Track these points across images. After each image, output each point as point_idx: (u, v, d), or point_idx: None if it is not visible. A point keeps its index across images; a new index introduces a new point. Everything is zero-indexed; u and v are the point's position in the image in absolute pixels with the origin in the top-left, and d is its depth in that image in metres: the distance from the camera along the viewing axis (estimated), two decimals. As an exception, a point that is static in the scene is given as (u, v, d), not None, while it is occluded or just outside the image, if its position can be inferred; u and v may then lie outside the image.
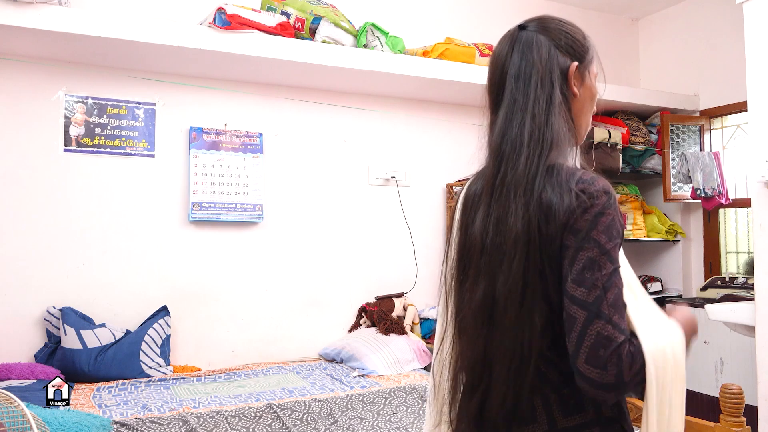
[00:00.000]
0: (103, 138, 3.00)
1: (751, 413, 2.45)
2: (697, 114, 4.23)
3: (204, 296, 3.18)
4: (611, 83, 4.27)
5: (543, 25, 1.20)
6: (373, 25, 3.24)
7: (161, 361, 2.89)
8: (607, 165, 3.96)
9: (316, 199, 3.48)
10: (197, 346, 3.15)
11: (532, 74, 1.12)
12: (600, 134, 3.90)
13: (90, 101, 2.98)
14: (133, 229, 3.05)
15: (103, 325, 2.85)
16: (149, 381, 2.76)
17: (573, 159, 1.15)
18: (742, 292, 3.55)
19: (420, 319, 3.55)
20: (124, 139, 3.04)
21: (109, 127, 3.01)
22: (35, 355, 2.81)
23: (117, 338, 2.84)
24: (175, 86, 3.14)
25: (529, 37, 1.19)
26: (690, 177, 3.90)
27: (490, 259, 1.03)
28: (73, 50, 2.78)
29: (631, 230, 4.09)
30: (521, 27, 1.23)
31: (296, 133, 3.45)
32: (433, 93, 3.63)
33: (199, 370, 3.03)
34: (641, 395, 0.99)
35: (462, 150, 3.91)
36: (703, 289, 3.89)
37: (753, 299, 2.79)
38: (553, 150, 1.04)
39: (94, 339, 2.78)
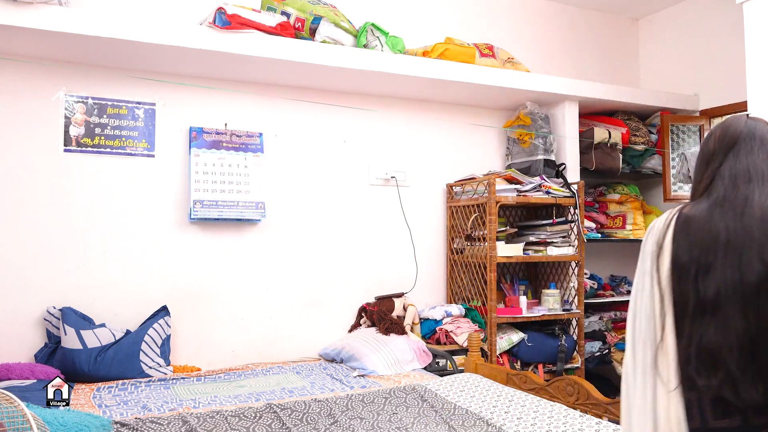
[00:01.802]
0: (103, 138, 3.00)
1: (751, 413, 2.45)
2: (697, 114, 4.23)
3: (204, 296, 3.18)
4: (611, 83, 4.27)
5: None
6: (373, 25, 3.24)
7: (161, 361, 2.89)
8: (607, 165, 3.96)
9: (316, 200, 3.48)
10: (197, 346, 3.15)
11: None
12: (600, 134, 3.90)
13: (90, 101, 2.98)
14: (133, 229, 3.05)
15: (103, 325, 2.85)
16: (149, 381, 2.76)
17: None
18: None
19: (420, 319, 3.55)
20: (124, 139, 3.04)
21: (109, 127, 3.02)
22: (35, 355, 2.82)
23: (117, 338, 2.84)
24: (175, 86, 3.14)
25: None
26: (690, 177, 3.90)
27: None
28: (73, 50, 2.78)
29: (631, 230, 4.09)
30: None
31: (296, 133, 3.45)
32: (433, 93, 3.64)
33: (199, 370, 3.03)
34: None
35: (462, 150, 3.92)
36: (703, 289, 3.89)
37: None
38: None
39: (94, 339, 2.78)
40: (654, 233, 1.32)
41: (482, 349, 3.26)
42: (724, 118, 1.63)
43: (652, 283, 1.28)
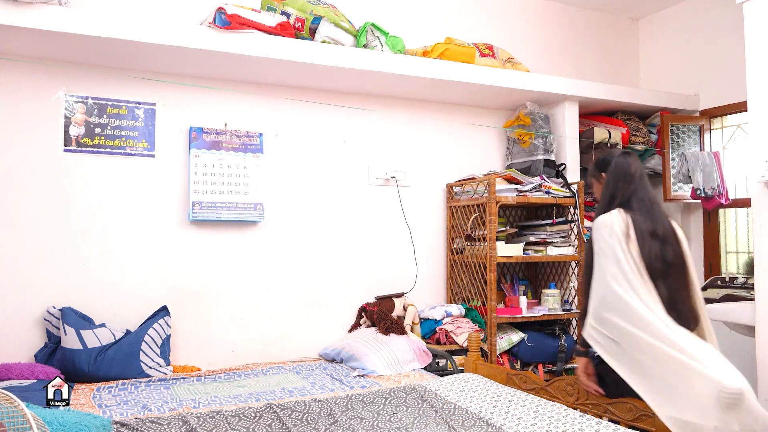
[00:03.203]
0: (103, 138, 3.00)
1: (751, 413, 2.45)
2: (697, 114, 4.23)
3: (204, 296, 3.18)
4: (611, 83, 4.27)
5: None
6: (373, 25, 3.24)
7: (161, 361, 2.89)
8: (607, 165, 3.96)
9: (316, 199, 3.48)
10: (197, 346, 3.15)
11: None
12: (600, 134, 3.90)
13: (90, 101, 2.98)
14: (133, 229, 3.05)
15: (103, 325, 2.85)
16: (149, 381, 2.76)
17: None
18: (742, 292, 3.55)
19: (420, 319, 3.55)
20: (124, 139, 3.04)
21: (109, 127, 3.02)
22: (35, 355, 2.82)
23: (117, 338, 2.84)
24: (175, 86, 3.14)
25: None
26: (690, 177, 3.90)
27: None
28: (73, 50, 2.78)
29: (631, 230, 4.08)
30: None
31: (296, 133, 3.45)
32: (433, 93, 3.64)
33: (199, 370, 3.03)
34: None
35: (462, 150, 3.92)
36: (703, 289, 3.89)
37: (753, 299, 2.79)
38: None
39: (94, 339, 2.78)
40: (618, 223, 2.12)
41: (482, 349, 3.26)
42: (612, 151, 2.49)
43: (626, 255, 2.06)
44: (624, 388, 1.98)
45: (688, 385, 1.81)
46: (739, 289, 3.61)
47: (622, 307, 1.98)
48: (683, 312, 2.08)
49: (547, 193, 3.53)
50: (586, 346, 2.15)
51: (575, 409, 2.18)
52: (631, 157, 2.28)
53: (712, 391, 1.76)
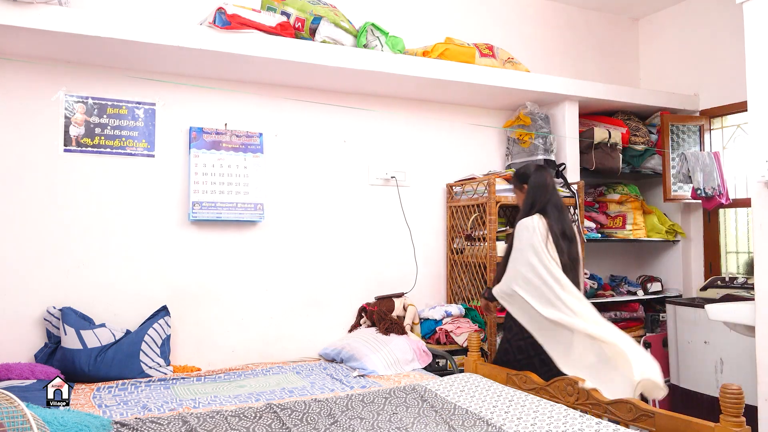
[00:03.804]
0: (103, 138, 3.00)
1: (751, 413, 2.45)
2: (697, 114, 4.23)
3: (204, 296, 3.18)
4: (611, 83, 4.27)
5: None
6: (373, 25, 3.24)
7: (161, 361, 2.89)
8: (607, 165, 3.96)
9: (316, 199, 3.48)
10: (197, 346, 3.15)
11: None
12: (600, 134, 3.90)
13: (90, 101, 2.98)
14: (133, 229, 3.05)
15: (103, 325, 2.85)
16: (149, 381, 2.76)
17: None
18: (742, 292, 3.55)
19: (420, 319, 3.55)
20: (124, 139, 3.04)
21: (109, 127, 3.02)
22: (35, 355, 2.82)
23: (117, 338, 2.84)
24: (175, 86, 3.14)
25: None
26: (690, 177, 3.90)
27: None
28: (73, 50, 2.78)
29: (631, 230, 4.09)
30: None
31: (296, 133, 3.45)
32: (433, 93, 3.64)
33: (199, 370, 3.03)
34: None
35: (462, 150, 3.92)
36: (703, 289, 3.89)
37: (753, 299, 2.79)
38: None
39: (94, 339, 2.78)
40: (539, 226, 2.61)
41: (482, 349, 3.26)
42: (529, 165, 2.93)
43: (547, 253, 2.55)
44: (551, 369, 2.48)
45: (595, 352, 2.37)
46: (739, 289, 3.61)
47: (539, 284, 2.52)
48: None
49: (547, 193, 3.53)
50: (492, 299, 2.75)
51: (575, 409, 2.18)
52: (547, 171, 2.84)
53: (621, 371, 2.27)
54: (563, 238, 2.64)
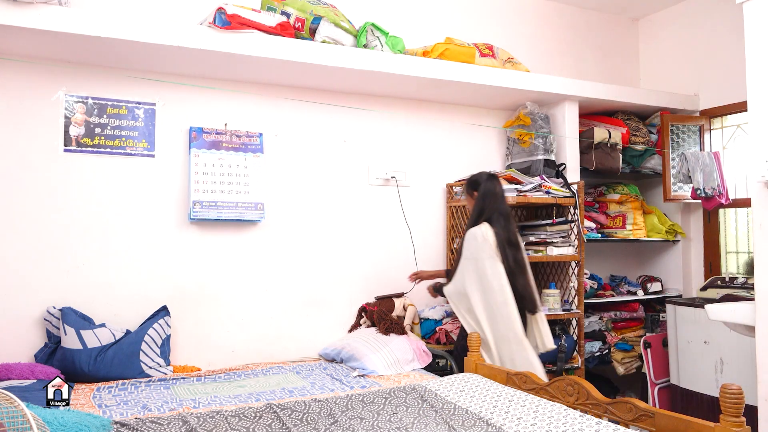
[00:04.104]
0: (103, 138, 3.00)
1: (751, 413, 2.45)
2: (697, 114, 4.23)
3: (204, 296, 3.18)
4: (611, 83, 4.27)
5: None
6: (373, 25, 3.24)
7: (161, 361, 2.89)
8: (607, 165, 3.96)
9: (316, 199, 3.48)
10: (197, 346, 3.15)
11: None
12: (600, 134, 3.90)
13: (90, 101, 2.98)
14: (133, 229, 3.05)
15: (103, 325, 2.85)
16: (149, 381, 2.76)
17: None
18: (742, 292, 3.55)
19: (420, 319, 3.54)
20: (124, 139, 3.04)
21: (109, 127, 3.02)
22: (35, 355, 2.82)
23: (117, 338, 2.84)
24: (175, 86, 3.14)
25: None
26: (690, 177, 3.90)
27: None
28: (73, 50, 2.78)
29: (631, 230, 4.09)
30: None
31: (296, 133, 3.45)
32: (433, 93, 3.64)
33: (199, 370, 3.03)
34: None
35: (462, 150, 3.92)
36: (703, 289, 3.89)
37: (753, 299, 2.79)
38: None
39: (94, 339, 2.78)
40: (488, 234, 2.84)
41: (482, 349, 3.26)
42: (481, 173, 3.11)
43: (494, 257, 2.80)
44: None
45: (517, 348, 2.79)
46: (739, 289, 3.61)
47: (487, 289, 2.81)
48: (530, 300, 2.89)
49: (547, 193, 3.53)
50: (441, 293, 3.07)
51: (575, 409, 2.18)
52: (496, 179, 3.00)
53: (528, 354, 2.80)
54: (509, 245, 2.86)
